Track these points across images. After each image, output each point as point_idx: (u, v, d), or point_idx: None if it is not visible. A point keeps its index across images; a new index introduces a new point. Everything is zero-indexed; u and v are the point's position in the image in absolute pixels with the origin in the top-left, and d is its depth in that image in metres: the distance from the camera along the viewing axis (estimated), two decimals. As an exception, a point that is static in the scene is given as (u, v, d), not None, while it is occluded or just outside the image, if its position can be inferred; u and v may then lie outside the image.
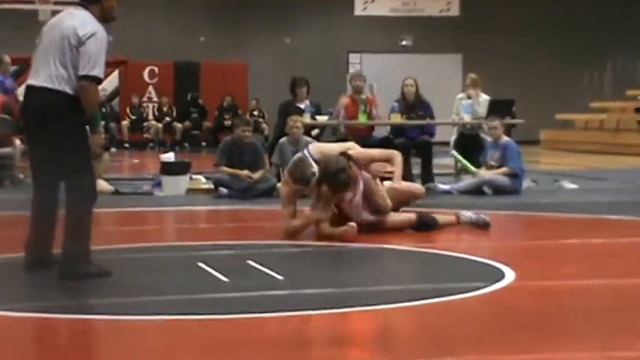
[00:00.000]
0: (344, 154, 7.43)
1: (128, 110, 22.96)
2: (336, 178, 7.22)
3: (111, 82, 22.72)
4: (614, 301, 5.13)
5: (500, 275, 5.69)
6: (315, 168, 7.32)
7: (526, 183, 11.30)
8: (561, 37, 25.41)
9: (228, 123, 20.66)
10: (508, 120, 12.16)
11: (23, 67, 7.49)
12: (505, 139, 11.16)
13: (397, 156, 7.78)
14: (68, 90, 5.61)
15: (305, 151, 7.63)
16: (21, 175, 11.73)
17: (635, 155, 18.58)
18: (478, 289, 5.29)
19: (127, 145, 22.29)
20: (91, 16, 5.70)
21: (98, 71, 5.62)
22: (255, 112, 23.17)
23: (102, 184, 10.63)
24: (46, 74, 5.63)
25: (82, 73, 5.58)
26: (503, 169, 10.81)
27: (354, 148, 7.69)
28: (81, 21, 5.65)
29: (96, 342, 4.51)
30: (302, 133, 11.02)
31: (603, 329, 4.45)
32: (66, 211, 5.65)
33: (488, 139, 11.47)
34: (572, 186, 11.69)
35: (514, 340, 4.34)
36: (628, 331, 4.41)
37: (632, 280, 5.66)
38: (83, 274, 5.58)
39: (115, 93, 23.57)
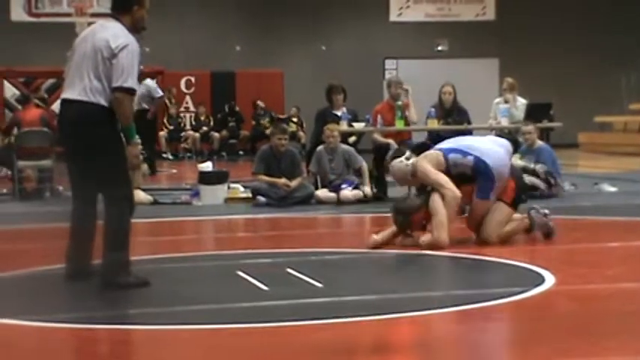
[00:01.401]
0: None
1: (166, 120, 23.09)
2: (393, 215, 7.28)
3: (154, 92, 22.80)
4: (656, 305, 5.07)
5: (541, 280, 5.66)
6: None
7: (566, 186, 11.22)
8: (598, 39, 25.20)
9: (267, 131, 20.70)
10: (546, 123, 12.08)
11: (60, 80, 7.63)
12: (539, 143, 11.08)
13: (451, 197, 7.07)
14: (103, 102, 5.65)
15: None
16: (60, 187, 11.84)
17: (675, 157, 18.37)
18: (518, 293, 5.26)
19: (164, 155, 22.41)
20: (123, 28, 5.74)
21: (131, 82, 5.66)
22: (295, 120, 23.21)
23: (140, 195, 10.70)
24: (81, 87, 5.68)
25: (115, 84, 5.62)
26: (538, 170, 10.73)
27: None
28: (113, 33, 5.70)
29: (135, 352, 4.54)
30: (339, 142, 11.04)
31: (646, 333, 4.40)
32: (105, 222, 5.69)
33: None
34: (612, 189, 11.58)
35: (555, 344, 4.30)
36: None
37: (675, 283, 5.59)
38: (123, 285, 5.62)
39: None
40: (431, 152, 7.45)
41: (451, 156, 7.22)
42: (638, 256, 6.73)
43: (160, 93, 16.14)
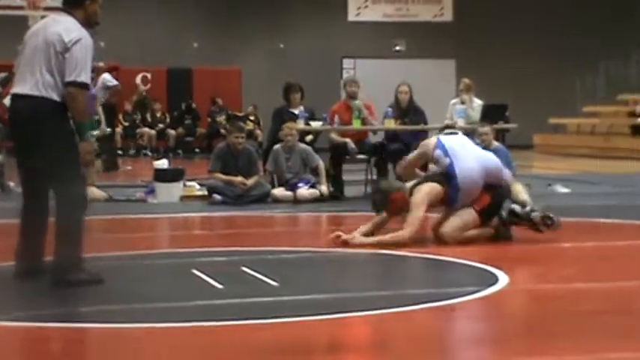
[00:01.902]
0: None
1: (121, 117, 22.92)
2: (372, 195, 7.44)
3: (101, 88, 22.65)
4: (606, 304, 5.13)
5: (494, 279, 5.69)
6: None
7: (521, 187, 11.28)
8: (554, 42, 25.44)
9: (223, 131, 20.68)
10: (501, 125, 12.16)
11: (11, 74, 7.47)
12: (496, 144, 11.15)
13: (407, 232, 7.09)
14: (55, 97, 5.59)
15: None
16: (11, 183, 11.69)
17: (627, 159, 18.62)
18: (472, 293, 5.29)
19: (119, 152, 22.24)
20: (76, 22, 5.68)
21: (85, 77, 5.60)
22: (252, 118, 23.17)
23: (94, 192, 10.62)
24: (33, 82, 5.61)
25: (68, 79, 5.55)
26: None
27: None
28: (66, 27, 5.63)
29: (89, 350, 4.50)
30: (296, 140, 11.04)
31: (595, 332, 4.45)
32: (56, 218, 5.62)
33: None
34: (565, 190, 11.70)
35: (508, 344, 4.34)
36: (620, 333, 4.41)
37: (624, 283, 5.66)
38: (74, 282, 5.55)
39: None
40: (427, 143, 7.60)
41: (438, 151, 7.37)
42: (591, 256, 6.81)
43: (114, 82, 16.02)
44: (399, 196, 7.26)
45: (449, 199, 7.24)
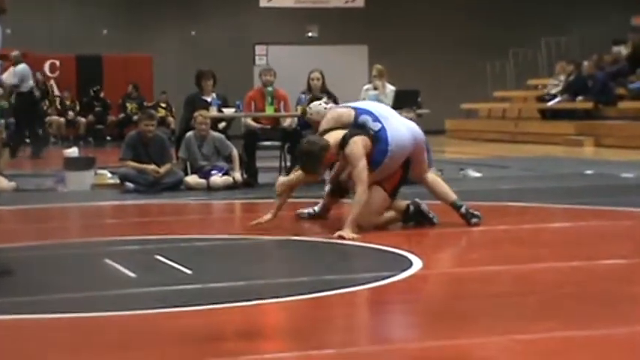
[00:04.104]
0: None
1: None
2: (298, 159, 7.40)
3: (9, 77, 22.19)
4: (517, 287, 5.24)
5: (408, 264, 5.75)
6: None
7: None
8: (465, 28, 25.80)
9: (136, 117, 20.47)
10: (415, 110, 12.26)
11: None
12: None
13: (361, 196, 6.95)
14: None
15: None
16: None
17: (536, 143, 19.00)
18: (385, 278, 5.33)
19: (27, 140, 21.79)
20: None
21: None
22: (163, 105, 22.96)
23: (2, 181, 10.41)
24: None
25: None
26: None
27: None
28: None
29: (-2, 342, 4.41)
30: (209, 129, 10.98)
31: (507, 314, 4.53)
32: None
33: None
34: (477, 174, 11.88)
35: (420, 327, 4.40)
36: (530, 315, 4.51)
37: (534, 265, 5.78)
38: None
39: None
40: (345, 111, 7.38)
41: (362, 117, 7.25)
42: (501, 239, 6.93)
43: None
44: (329, 154, 7.11)
45: (372, 162, 7.09)
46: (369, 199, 7.09)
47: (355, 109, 7.39)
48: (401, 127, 7.27)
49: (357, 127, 7.20)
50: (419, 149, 7.40)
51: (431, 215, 7.27)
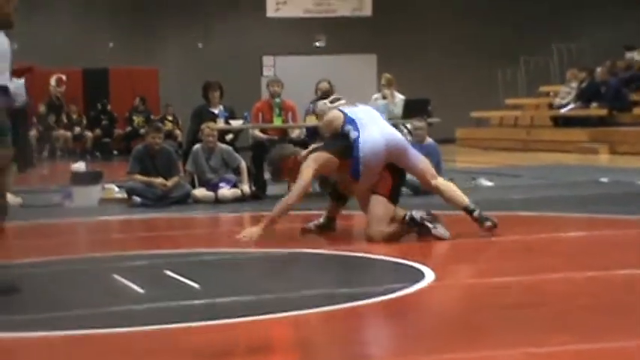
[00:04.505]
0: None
1: (35, 120, 22.54)
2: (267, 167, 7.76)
3: (20, 89, 22.26)
4: (530, 298, 5.22)
5: (420, 276, 5.74)
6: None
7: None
8: (474, 35, 25.79)
9: (143, 131, 20.53)
10: (424, 119, 12.26)
11: None
12: (429, 140, 11.21)
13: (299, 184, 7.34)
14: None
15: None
16: None
17: (549, 151, 18.97)
18: (397, 290, 5.33)
19: (35, 155, 21.87)
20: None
21: (2, 79, 5.49)
22: (170, 118, 23.01)
23: (8, 197, 10.42)
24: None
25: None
26: None
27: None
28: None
29: (6, 361, 4.42)
30: (217, 141, 11.00)
31: (520, 326, 4.52)
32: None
33: (408, 138, 11.52)
34: (489, 183, 11.87)
35: (433, 341, 4.38)
36: (544, 327, 4.49)
37: (547, 275, 5.76)
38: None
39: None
40: (337, 116, 7.56)
41: (347, 127, 7.42)
42: (514, 250, 6.92)
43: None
44: (291, 161, 7.48)
45: (352, 172, 7.30)
46: (371, 208, 7.18)
47: (345, 115, 7.52)
48: (374, 134, 7.35)
49: (340, 136, 7.42)
50: (396, 154, 7.39)
51: (427, 223, 7.18)
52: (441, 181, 7.64)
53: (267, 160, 7.58)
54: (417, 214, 7.19)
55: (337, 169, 7.42)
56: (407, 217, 7.21)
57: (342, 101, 8.06)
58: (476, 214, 7.33)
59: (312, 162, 7.32)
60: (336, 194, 7.67)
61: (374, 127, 7.40)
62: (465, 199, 7.44)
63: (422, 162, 7.58)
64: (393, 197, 7.34)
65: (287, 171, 7.52)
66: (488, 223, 7.28)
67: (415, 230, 7.21)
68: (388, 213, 7.25)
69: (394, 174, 7.37)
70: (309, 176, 7.29)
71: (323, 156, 7.35)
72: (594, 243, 7.23)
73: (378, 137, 7.33)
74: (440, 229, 7.18)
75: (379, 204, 7.24)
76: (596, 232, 7.72)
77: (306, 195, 7.58)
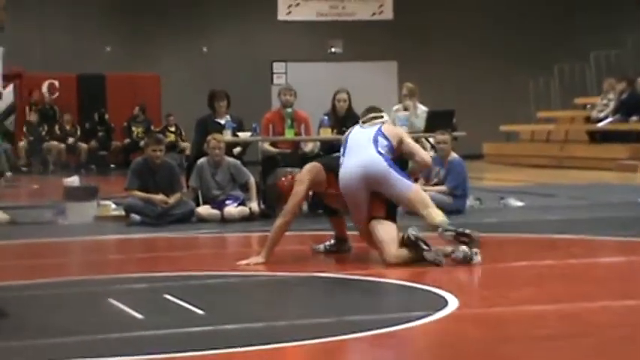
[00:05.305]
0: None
1: (25, 129, 22.65)
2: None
3: (5, 98, 22.42)
4: (566, 328, 5.21)
5: (443, 303, 5.74)
6: None
7: (469, 201, 11.41)
8: (504, 41, 25.80)
9: (142, 143, 20.59)
10: (449, 132, 12.27)
11: None
12: (454, 156, 11.21)
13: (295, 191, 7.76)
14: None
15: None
16: None
17: (584, 169, 18.93)
18: (419, 319, 5.33)
19: (24, 168, 21.97)
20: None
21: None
22: (172, 129, 23.05)
23: (-1, 214, 10.49)
24: None
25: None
26: (440, 188, 10.91)
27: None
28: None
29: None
30: (224, 154, 11.01)
31: (552, 358, 4.51)
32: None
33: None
34: (519, 203, 11.85)
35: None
36: (579, 359, 4.49)
37: (584, 304, 5.75)
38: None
39: (11, 110, 23.23)
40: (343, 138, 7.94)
41: (341, 149, 7.78)
42: (546, 276, 6.91)
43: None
44: (287, 180, 7.77)
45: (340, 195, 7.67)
46: (376, 234, 7.34)
47: (346, 139, 7.82)
48: (350, 164, 7.55)
49: (334, 158, 7.86)
50: (376, 184, 7.48)
51: (420, 243, 7.21)
52: (432, 212, 7.55)
53: (267, 188, 7.81)
54: (412, 233, 7.30)
55: (328, 185, 7.69)
56: (405, 238, 7.32)
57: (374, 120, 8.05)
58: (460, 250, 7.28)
59: (306, 172, 7.69)
60: (328, 210, 7.92)
61: (354, 156, 7.59)
62: (424, 208, 7.47)
63: (412, 192, 7.56)
64: (391, 216, 7.51)
65: (287, 191, 7.69)
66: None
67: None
68: (392, 232, 7.36)
69: (382, 198, 7.54)
70: (302, 188, 7.62)
71: (315, 168, 7.72)
72: (635, 269, 7.21)
73: (354, 168, 7.52)
74: (431, 254, 7.16)
75: (382, 227, 7.39)
76: (635, 258, 7.70)
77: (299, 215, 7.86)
